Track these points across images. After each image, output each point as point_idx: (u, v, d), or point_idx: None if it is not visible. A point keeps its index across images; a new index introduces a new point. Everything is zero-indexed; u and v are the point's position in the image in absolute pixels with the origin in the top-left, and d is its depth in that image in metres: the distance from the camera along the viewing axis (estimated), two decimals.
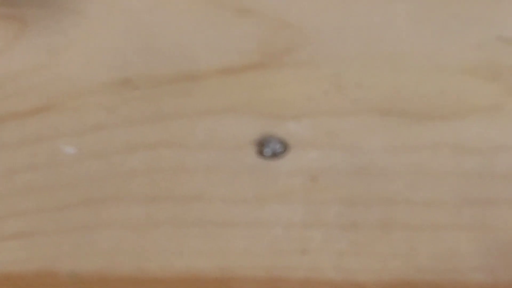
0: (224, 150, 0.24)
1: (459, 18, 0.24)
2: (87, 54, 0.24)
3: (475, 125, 0.24)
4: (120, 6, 0.24)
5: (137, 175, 0.24)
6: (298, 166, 0.24)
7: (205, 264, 0.24)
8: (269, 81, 0.24)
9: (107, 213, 0.24)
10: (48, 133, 0.24)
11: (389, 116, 0.24)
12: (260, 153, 0.24)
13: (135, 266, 0.24)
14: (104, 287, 0.24)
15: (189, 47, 0.24)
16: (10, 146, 0.24)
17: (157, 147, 0.24)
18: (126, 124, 0.24)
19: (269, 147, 0.24)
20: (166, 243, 0.24)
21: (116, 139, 0.24)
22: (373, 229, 0.24)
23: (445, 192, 0.24)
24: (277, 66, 0.24)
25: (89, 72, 0.24)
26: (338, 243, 0.24)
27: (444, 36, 0.23)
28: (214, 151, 0.24)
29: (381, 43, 0.24)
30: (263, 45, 0.24)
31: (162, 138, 0.24)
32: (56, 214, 0.24)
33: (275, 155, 0.24)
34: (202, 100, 0.24)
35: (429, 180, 0.24)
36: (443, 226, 0.24)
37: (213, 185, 0.24)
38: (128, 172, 0.24)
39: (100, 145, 0.24)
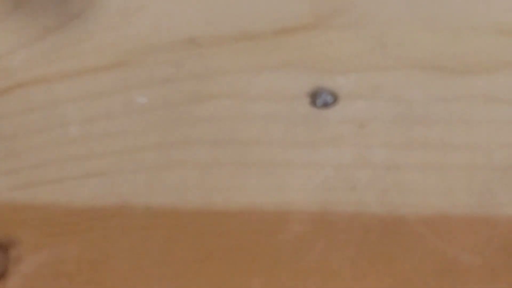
0: (280, 101, 0.29)
1: None
2: (156, 16, 0.28)
3: (506, 79, 0.27)
4: None
5: (202, 122, 0.28)
6: (347, 115, 0.29)
7: (264, 199, 0.28)
8: (320, 40, 0.29)
9: (176, 155, 0.28)
10: (123, 86, 0.28)
11: (428, 70, 0.28)
12: (313, 103, 0.28)
13: (202, 201, 0.29)
14: (175, 219, 0.29)
15: (248, 10, 0.27)
16: (90, 97, 0.28)
17: (219, 98, 0.28)
18: (191, 78, 0.28)
19: (321, 98, 0.28)
20: (229, 181, 0.29)
21: (183, 90, 0.28)
22: (413, 170, 0.28)
23: (478, 137, 0.28)
24: (327, 27, 0.28)
25: (158, 32, 0.28)
26: (382, 182, 0.28)
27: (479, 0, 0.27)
28: (271, 102, 0.28)
29: (420, 6, 0.27)
30: (314, 8, 0.27)
31: (224, 90, 0.29)
32: (131, 156, 0.28)
33: (326, 105, 0.29)
34: (260, 57, 0.28)
35: (464, 126, 0.28)
36: (476, 167, 0.28)
37: (271, 131, 0.28)
38: (194, 119, 0.28)
39: (169, 96, 0.28)
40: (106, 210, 0.33)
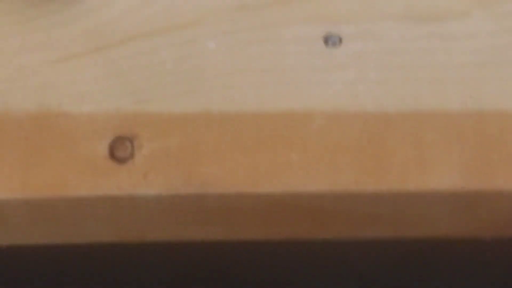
0: (304, 43, 0.43)
1: None
2: None
3: (455, 23, 0.43)
4: None
5: (255, 57, 0.43)
6: (349, 51, 0.44)
7: (297, 105, 0.42)
8: (328, 2, 0.43)
9: (241, 78, 0.42)
10: (198, 37, 0.43)
11: (403, 19, 0.44)
12: (326, 43, 0.43)
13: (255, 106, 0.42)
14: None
15: None
16: (169, 46, 0.43)
17: (262, 43, 0.43)
18: (243, 30, 0.43)
19: (331, 40, 0.44)
20: (274, 91, 0.43)
21: (240, 38, 0.43)
22: (393, 81, 0.42)
23: (435, 59, 0.42)
24: None
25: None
26: (374, 91, 0.42)
27: None
28: (299, 43, 0.43)
29: None
30: None
31: (265, 38, 0.43)
32: (206, 81, 0.43)
33: (334, 45, 0.44)
34: (291, 14, 0.43)
35: (425, 53, 0.43)
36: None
37: (299, 61, 0.44)
38: (247, 56, 0.43)
39: (231, 43, 0.43)
40: (194, 114, 0.45)
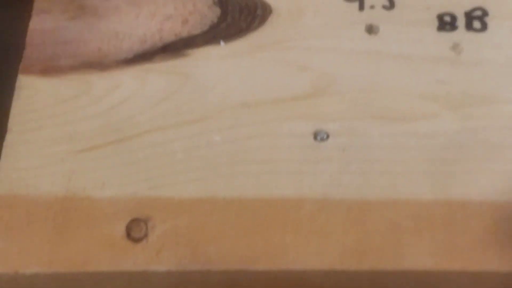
0: (297, 137, 0.50)
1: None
2: (224, 89, 0.50)
3: (424, 124, 0.50)
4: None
5: (253, 150, 0.49)
6: (335, 145, 0.50)
7: (289, 192, 0.48)
8: (318, 102, 0.50)
9: (238, 168, 0.49)
10: (205, 131, 0.50)
11: (380, 119, 0.50)
12: (315, 138, 0.50)
13: (255, 192, 0.49)
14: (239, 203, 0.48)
15: (278, 85, 0.50)
16: (180, 138, 0.49)
17: (260, 137, 0.50)
18: (246, 125, 0.50)
19: (319, 135, 0.50)
20: (270, 183, 0.49)
21: (241, 133, 0.50)
22: (371, 172, 0.49)
23: (400, 156, 0.49)
24: (321, 95, 0.51)
25: (226, 97, 0.50)
26: (355, 180, 0.49)
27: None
28: (292, 138, 0.49)
29: (374, 82, 0.50)
30: (313, 83, 0.50)
31: (263, 133, 0.50)
32: (212, 169, 0.49)
33: (322, 139, 0.50)
34: (286, 113, 0.50)
35: (398, 150, 0.49)
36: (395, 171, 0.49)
37: (292, 154, 0.49)
38: (247, 148, 0.49)
39: (233, 136, 0.50)
40: (200, 200, 0.52)
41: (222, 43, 0.54)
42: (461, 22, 0.55)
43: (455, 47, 0.54)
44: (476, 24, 0.55)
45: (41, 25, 0.55)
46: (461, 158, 0.51)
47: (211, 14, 0.56)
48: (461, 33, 0.55)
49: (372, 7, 0.56)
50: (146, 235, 0.49)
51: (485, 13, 0.56)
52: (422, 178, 0.51)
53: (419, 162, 0.51)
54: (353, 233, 0.49)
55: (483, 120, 0.52)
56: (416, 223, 0.49)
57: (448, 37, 0.55)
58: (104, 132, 0.52)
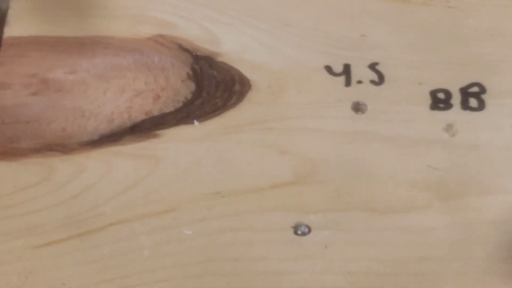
0: (274, 231, 0.44)
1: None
2: (195, 176, 0.44)
3: (415, 217, 0.44)
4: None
5: (226, 246, 0.43)
6: (317, 240, 0.44)
7: None
8: (299, 192, 0.44)
9: (210, 267, 0.43)
10: (175, 224, 0.44)
11: (365, 211, 0.44)
12: (295, 233, 0.44)
13: None
14: None
15: (252, 173, 0.44)
16: (147, 232, 0.44)
17: (236, 231, 0.44)
18: (219, 218, 0.44)
19: (300, 229, 0.44)
20: (246, 285, 0.42)
21: (213, 226, 0.44)
22: (362, 275, 0.43)
23: (397, 251, 0.43)
24: (302, 183, 0.44)
25: (196, 187, 0.44)
26: (340, 284, 0.43)
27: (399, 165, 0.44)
28: (269, 232, 0.44)
29: (360, 169, 0.44)
30: (294, 171, 0.44)
31: (238, 226, 0.44)
32: (183, 268, 0.43)
33: (303, 234, 0.44)
34: (261, 203, 0.44)
35: (388, 244, 0.43)
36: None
37: (269, 251, 0.44)
38: (221, 244, 0.43)
39: (206, 230, 0.44)
40: None
41: (196, 123, 0.48)
42: (456, 99, 0.49)
43: (449, 128, 0.48)
44: (473, 102, 0.49)
45: (1, 101, 0.49)
46: (454, 257, 0.45)
47: (185, 89, 0.50)
48: (456, 112, 0.49)
49: (359, 82, 0.50)
50: None
51: (482, 89, 0.49)
52: (411, 281, 0.44)
53: (408, 262, 0.45)
54: None
55: (478, 213, 0.46)
56: None
57: (442, 116, 0.49)
58: (65, 224, 0.46)
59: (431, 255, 0.46)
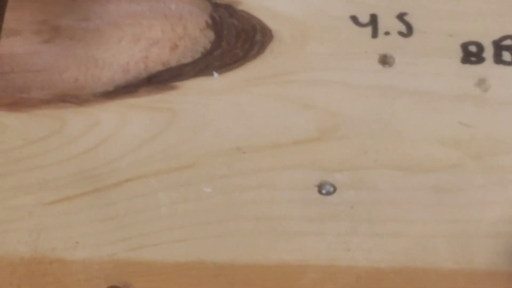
0: (298, 190, 0.38)
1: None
2: (215, 131, 0.38)
3: (446, 175, 0.37)
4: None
5: (247, 204, 0.37)
6: (342, 200, 0.38)
7: (289, 257, 0.37)
8: (323, 148, 0.38)
9: (231, 227, 0.37)
10: (194, 181, 0.38)
11: (394, 169, 0.38)
12: (320, 192, 0.38)
13: (249, 258, 0.37)
14: (232, 270, 0.37)
15: (275, 128, 0.37)
16: (165, 189, 0.37)
17: (258, 188, 0.37)
18: (239, 175, 0.38)
19: (325, 189, 0.38)
20: (266, 244, 0.37)
21: (233, 183, 0.38)
22: (388, 235, 0.37)
23: (426, 214, 0.37)
24: (327, 139, 0.38)
25: (216, 142, 0.38)
26: (367, 244, 0.37)
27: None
28: (292, 191, 0.38)
29: (388, 124, 0.38)
30: (318, 126, 0.38)
31: (259, 184, 0.37)
32: (202, 228, 0.37)
33: (328, 193, 0.38)
34: (284, 160, 0.38)
35: (417, 207, 0.37)
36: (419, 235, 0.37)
37: (292, 211, 0.38)
38: (242, 203, 0.37)
39: (225, 188, 0.38)
40: (187, 264, 0.42)
41: (215, 74, 0.42)
42: (488, 53, 0.42)
43: (481, 83, 0.42)
44: (506, 55, 0.42)
45: (10, 48, 0.42)
46: (487, 219, 0.39)
47: (204, 38, 0.43)
48: (488, 67, 0.42)
49: (387, 33, 0.43)
50: None
51: None
52: (441, 243, 0.38)
53: (438, 223, 0.39)
54: None
55: None
56: None
57: (474, 70, 0.42)
58: (79, 180, 0.40)
59: (462, 216, 0.39)
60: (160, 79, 0.43)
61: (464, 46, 0.43)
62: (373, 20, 0.43)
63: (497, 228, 0.40)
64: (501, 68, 0.43)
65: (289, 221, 0.40)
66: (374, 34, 0.43)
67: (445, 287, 0.39)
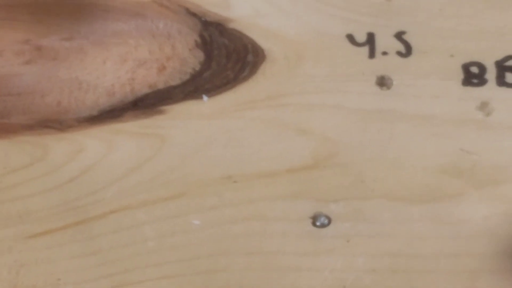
0: (291, 222, 0.33)
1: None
2: (204, 160, 0.34)
3: (446, 206, 0.33)
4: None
5: (238, 237, 0.33)
6: (338, 232, 0.34)
7: None
8: (317, 176, 0.33)
9: (221, 262, 0.33)
10: (183, 212, 0.34)
11: (393, 200, 0.33)
12: (314, 224, 0.33)
13: None
14: None
15: (267, 156, 0.33)
16: (152, 221, 0.33)
17: (249, 220, 0.33)
18: (230, 205, 0.33)
19: (319, 220, 0.34)
20: (258, 280, 0.33)
21: (224, 215, 0.34)
22: (385, 272, 0.33)
23: (427, 248, 0.33)
24: (322, 167, 0.33)
25: (206, 171, 0.33)
26: (363, 281, 0.33)
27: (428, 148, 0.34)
28: (285, 222, 0.33)
29: (387, 152, 0.33)
30: (313, 153, 0.33)
31: (251, 215, 0.33)
32: (191, 262, 0.33)
33: (323, 225, 0.34)
34: (276, 189, 0.33)
35: (418, 240, 0.33)
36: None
37: (285, 244, 0.33)
38: (232, 236, 0.33)
39: (216, 219, 0.33)
40: None
41: (205, 98, 0.37)
42: (491, 74, 0.38)
43: (484, 106, 0.37)
44: (510, 77, 0.38)
45: None
46: (491, 252, 0.34)
47: (193, 59, 0.38)
48: (491, 89, 0.38)
49: (384, 53, 0.38)
50: None
51: None
52: (443, 279, 0.34)
53: (440, 258, 0.34)
54: None
55: None
56: None
57: (476, 93, 0.38)
58: (61, 211, 0.36)
59: (465, 250, 0.35)
60: (147, 103, 0.38)
61: (466, 67, 0.38)
62: (370, 39, 0.39)
63: (502, 263, 0.35)
64: (504, 90, 0.38)
65: (281, 256, 0.36)
66: (371, 54, 0.39)
67: None
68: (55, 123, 0.39)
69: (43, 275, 0.37)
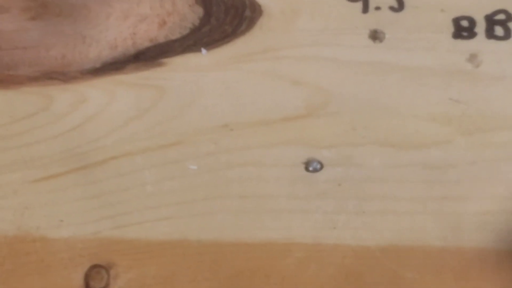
0: (285, 167, 0.34)
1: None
2: (202, 109, 0.34)
3: (435, 153, 0.34)
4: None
5: (233, 182, 0.34)
6: (329, 177, 0.34)
7: (275, 235, 0.33)
8: (311, 125, 0.34)
9: (216, 205, 0.34)
10: (180, 158, 0.34)
11: (383, 146, 0.34)
12: (307, 169, 0.34)
13: (234, 236, 0.34)
14: (217, 248, 0.33)
15: (263, 105, 0.34)
16: (150, 167, 0.34)
17: (245, 166, 0.34)
18: (226, 152, 0.34)
19: (312, 166, 0.34)
20: (252, 223, 0.34)
21: (220, 161, 0.34)
22: (375, 214, 0.33)
23: (416, 192, 0.33)
24: (315, 116, 0.34)
25: (203, 120, 0.34)
26: (354, 223, 0.33)
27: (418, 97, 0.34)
28: (279, 168, 0.34)
29: (378, 101, 0.34)
30: (307, 102, 0.34)
31: (246, 161, 0.34)
32: (187, 206, 0.34)
33: (315, 170, 0.34)
34: (271, 137, 0.34)
35: (407, 185, 0.34)
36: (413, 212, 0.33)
37: (279, 189, 0.34)
38: (228, 180, 0.34)
39: (212, 165, 0.34)
40: (172, 242, 0.38)
41: (203, 51, 0.38)
42: (480, 27, 0.38)
43: (473, 58, 0.38)
44: (499, 30, 0.38)
45: None
46: (476, 196, 0.35)
47: (192, 15, 0.39)
48: (480, 41, 0.38)
49: (377, 8, 0.39)
50: (107, 285, 0.33)
51: (509, 17, 0.38)
52: (430, 221, 0.35)
53: (427, 201, 0.35)
54: (349, 286, 0.33)
55: (504, 149, 0.35)
56: (422, 275, 0.33)
57: (465, 46, 0.38)
58: (64, 158, 0.36)
59: (452, 194, 0.36)
60: (148, 56, 0.39)
61: (456, 21, 0.39)
62: None
63: (487, 206, 0.36)
64: (493, 43, 0.38)
65: (275, 199, 0.37)
66: (365, 9, 0.39)
67: (432, 265, 0.35)
68: (59, 75, 0.40)
69: (46, 217, 0.38)
